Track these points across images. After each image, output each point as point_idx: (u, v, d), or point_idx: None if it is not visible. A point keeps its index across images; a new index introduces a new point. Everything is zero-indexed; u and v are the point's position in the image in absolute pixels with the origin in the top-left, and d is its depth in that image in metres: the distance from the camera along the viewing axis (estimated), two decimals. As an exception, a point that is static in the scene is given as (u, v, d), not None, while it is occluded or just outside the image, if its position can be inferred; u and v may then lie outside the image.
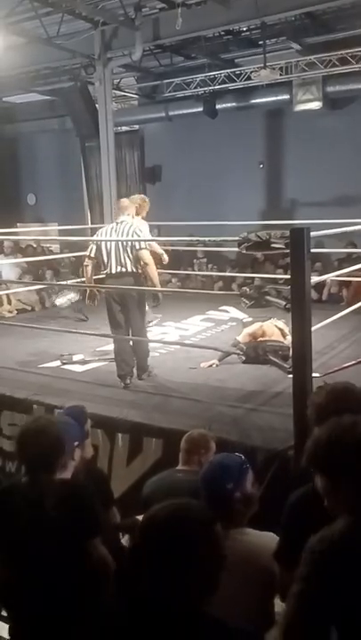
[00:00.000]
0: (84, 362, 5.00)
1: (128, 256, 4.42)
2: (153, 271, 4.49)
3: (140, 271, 4.45)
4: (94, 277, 4.75)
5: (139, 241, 4.47)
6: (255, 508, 2.04)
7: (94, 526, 2.05)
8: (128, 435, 3.59)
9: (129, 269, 4.43)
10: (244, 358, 4.67)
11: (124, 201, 4.93)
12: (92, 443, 3.05)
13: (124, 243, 4.41)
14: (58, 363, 4.99)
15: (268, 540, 1.98)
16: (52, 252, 11.06)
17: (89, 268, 4.67)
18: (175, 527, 1.33)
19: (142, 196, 6.00)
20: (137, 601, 1.33)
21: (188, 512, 1.38)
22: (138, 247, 4.43)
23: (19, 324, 6.06)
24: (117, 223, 4.59)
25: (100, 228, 4.91)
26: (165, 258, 6.05)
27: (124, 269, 4.42)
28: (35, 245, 10.83)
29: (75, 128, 10.09)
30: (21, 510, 2.00)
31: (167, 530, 1.33)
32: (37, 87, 10.75)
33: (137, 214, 5.32)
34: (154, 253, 5.28)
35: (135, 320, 4.51)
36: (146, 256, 4.46)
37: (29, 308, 8.43)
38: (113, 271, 4.46)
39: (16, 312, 8.13)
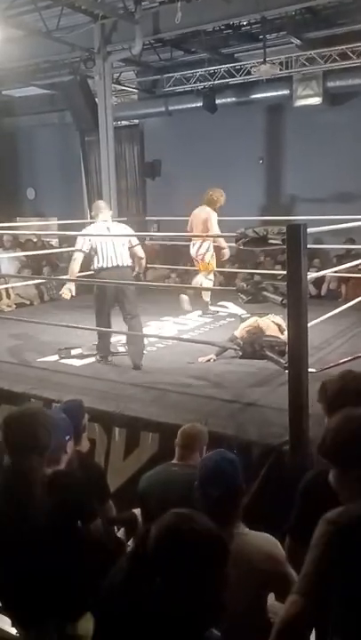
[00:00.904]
0: (82, 356, 5.01)
1: (124, 251, 4.84)
2: (144, 263, 5.21)
3: (132, 264, 4.97)
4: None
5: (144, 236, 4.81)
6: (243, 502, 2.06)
7: (83, 512, 2.07)
8: (125, 429, 3.61)
9: (125, 263, 4.84)
10: (240, 353, 4.68)
11: (102, 203, 5.38)
12: (89, 437, 3.06)
13: (122, 239, 4.88)
14: (56, 357, 5.01)
15: (264, 540, 1.99)
16: (52, 247, 11.06)
17: (77, 263, 4.92)
18: (185, 547, 1.28)
19: (221, 190, 7.00)
20: (138, 611, 1.29)
21: (199, 532, 1.32)
22: (134, 243, 4.97)
23: (17, 318, 6.07)
24: (105, 221, 5.01)
25: (90, 224, 5.31)
26: (226, 252, 6.79)
27: (120, 263, 4.80)
28: (35, 240, 10.84)
29: (74, 122, 10.07)
30: (4, 497, 2.01)
31: (177, 549, 1.28)
32: (37, 81, 10.73)
33: (211, 205, 6.77)
34: (217, 248, 6.57)
35: (133, 309, 4.85)
36: (140, 251, 5.03)
37: (28, 303, 8.44)
38: (110, 265, 4.77)
39: (15, 306, 8.14)
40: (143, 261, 5.12)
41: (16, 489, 1.99)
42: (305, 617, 1.45)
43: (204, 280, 6.62)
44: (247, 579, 1.86)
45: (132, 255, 4.94)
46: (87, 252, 4.84)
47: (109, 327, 4.94)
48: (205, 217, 6.57)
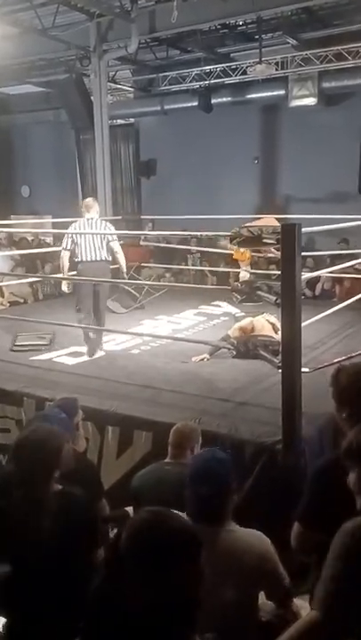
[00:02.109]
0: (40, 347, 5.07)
1: (102, 246, 5.20)
2: (122, 258, 5.42)
3: (110, 259, 5.30)
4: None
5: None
6: (234, 501, 2.05)
7: (93, 539, 2.06)
8: (118, 427, 3.61)
9: (103, 257, 5.21)
10: (234, 353, 4.69)
11: (90, 200, 5.57)
12: (83, 435, 3.06)
13: (100, 235, 5.21)
14: (50, 355, 5.00)
15: (254, 538, 1.98)
16: (48, 245, 11.03)
17: (65, 260, 5.29)
18: (157, 545, 1.27)
19: None
20: (114, 614, 1.27)
21: (170, 529, 1.31)
22: (110, 239, 5.26)
23: (11, 317, 6.06)
24: (88, 219, 5.30)
25: (74, 222, 5.53)
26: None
27: (98, 257, 5.18)
28: (31, 238, 10.80)
29: (69, 120, 10.05)
30: (18, 528, 1.99)
31: (148, 546, 1.27)
32: (32, 78, 10.70)
33: None
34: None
35: (104, 299, 5.37)
36: (115, 246, 5.33)
37: (22, 301, 8.42)
38: (89, 259, 5.17)
39: (9, 304, 8.11)
40: (119, 257, 5.37)
41: (30, 518, 1.97)
42: (322, 636, 1.45)
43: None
44: (237, 576, 1.86)
45: (110, 250, 5.26)
46: (71, 249, 5.22)
47: (92, 318, 5.21)
48: None
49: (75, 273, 5.36)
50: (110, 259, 5.30)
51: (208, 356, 4.76)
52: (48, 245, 10.89)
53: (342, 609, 1.44)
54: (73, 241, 5.19)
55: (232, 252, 6.06)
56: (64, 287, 5.54)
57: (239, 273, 5.70)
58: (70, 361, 4.88)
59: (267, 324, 4.97)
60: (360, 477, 1.60)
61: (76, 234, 5.19)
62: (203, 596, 1.30)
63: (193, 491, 1.96)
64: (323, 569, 1.51)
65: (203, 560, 1.32)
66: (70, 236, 5.20)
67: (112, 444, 3.60)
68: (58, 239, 10.33)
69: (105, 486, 3.14)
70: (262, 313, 5.16)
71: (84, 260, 5.17)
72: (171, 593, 1.23)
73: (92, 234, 5.17)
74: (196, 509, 1.92)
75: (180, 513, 1.96)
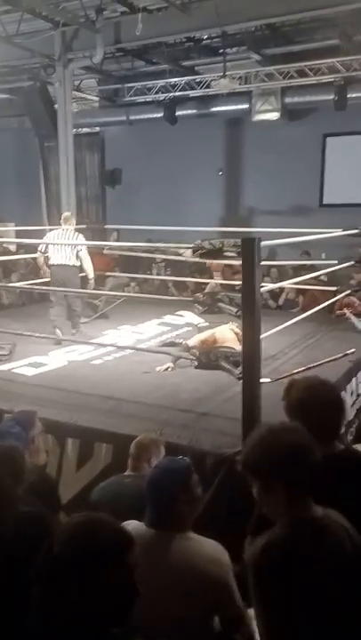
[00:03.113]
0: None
1: (72, 254, 6.07)
2: (90, 267, 6.23)
3: (78, 264, 6.16)
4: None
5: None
6: (199, 511, 2.07)
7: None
8: (78, 440, 3.56)
9: (72, 263, 6.09)
10: (196, 363, 4.71)
11: (68, 214, 6.57)
12: (43, 448, 3.00)
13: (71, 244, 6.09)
14: (9, 366, 4.92)
15: (209, 546, 1.98)
16: (12, 253, 10.88)
17: (42, 259, 6.33)
18: (83, 550, 1.29)
19: None
20: (45, 614, 1.28)
21: (99, 533, 1.32)
22: (79, 249, 6.11)
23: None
24: (64, 230, 6.25)
25: (51, 230, 6.59)
26: None
27: (67, 262, 6.07)
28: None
29: (33, 128, 9.96)
30: None
31: (75, 551, 1.28)
32: (-5, 85, 10.58)
33: None
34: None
35: (75, 304, 6.18)
36: (84, 255, 6.15)
37: (-17, 310, 8.27)
38: (60, 263, 6.08)
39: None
40: (86, 265, 6.17)
41: None
42: None
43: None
44: (190, 585, 1.86)
45: (77, 257, 6.12)
46: (44, 252, 6.18)
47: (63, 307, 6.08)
48: None
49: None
50: (78, 264, 6.14)
51: (172, 365, 4.76)
52: (12, 253, 10.75)
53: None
54: (47, 246, 6.20)
55: (200, 261, 6.18)
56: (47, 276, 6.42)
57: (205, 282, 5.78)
58: (31, 372, 4.80)
59: (230, 334, 5.01)
60: (258, 491, 1.64)
61: (49, 241, 6.26)
62: (152, 598, 1.35)
63: (149, 498, 1.99)
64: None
65: (151, 563, 1.35)
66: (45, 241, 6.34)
67: (72, 457, 3.55)
68: (21, 247, 10.22)
69: (63, 500, 3.10)
70: (227, 323, 5.19)
71: (55, 264, 6.10)
72: (101, 592, 1.25)
73: (64, 244, 6.07)
74: (153, 516, 1.97)
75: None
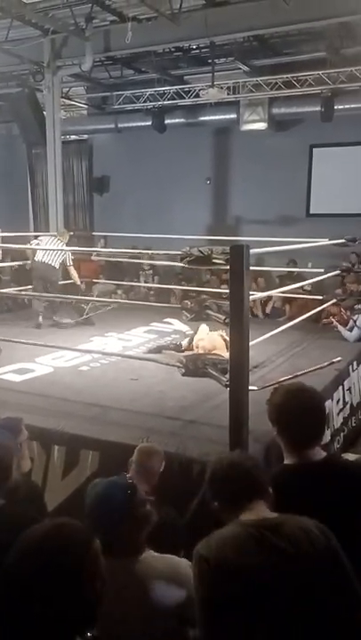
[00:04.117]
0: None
1: (54, 257, 7.03)
2: (74, 273, 7.28)
3: (57, 266, 7.10)
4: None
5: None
6: (150, 527, 1.94)
7: None
8: (64, 447, 3.53)
9: (52, 264, 7.05)
10: (183, 371, 4.69)
11: (65, 231, 7.67)
12: (28, 455, 2.97)
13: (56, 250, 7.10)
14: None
15: (165, 565, 1.89)
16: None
17: (30, 252, 7.39)
18: (47, 549, 1.29)
19: None
20: (12, 620, 1.27)
21: (61, 533, 1.34)
22: (68, 263, 7.21)
23: None
24: (57, 239, 7.37)
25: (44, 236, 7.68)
26: None
27: (50, 262, 7.04)
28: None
29: (21, 134, 9.95)
30: None
31: (38, 551, 1.29)
32: (-16, 91, 10.54)
33: None
34: None
35: (53, 290, 7.02)
36: (67, 260, 7.16)
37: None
38: (44, 260, 7.07)
39: None
40: (71, 273, 7.25)
41: None
42: None
43: None
44: (151, 610, 1.77)
45: (62, 264, 7.14)
46: (34, 248, 7.20)
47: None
48: None
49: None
50: (58, 268, 7.11)
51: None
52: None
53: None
54: (37, 244, 7.34)
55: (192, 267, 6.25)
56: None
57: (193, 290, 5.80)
58: (17, 378, 4.76)
59: (219, 340, 5.00)
60: (218, 509, 1.74)
61: (38, 242, 7.44)
62: (117, 630, 1.36)
63: (92, 526, 1.75)
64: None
65: (111, 593, 1.38)
66: (37, 243, 7.41)
67: (58, 464, 3.52)
68: (7, 254, 10.15)
69: (49, 507, 3.06)
70: (217, 330, 5.19)
71: (39, 260, 7.08)
72: (63, 598, 1.25)
73: (54, 249, 7.07)
74: (102, 544, 1.70)
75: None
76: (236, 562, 1.53)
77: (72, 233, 7.92)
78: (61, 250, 6.99)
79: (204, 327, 5.21)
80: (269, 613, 1.49)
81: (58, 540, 1.32)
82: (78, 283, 7.30)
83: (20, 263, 8.42)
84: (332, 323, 6.31)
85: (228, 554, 1.54)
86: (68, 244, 7.37)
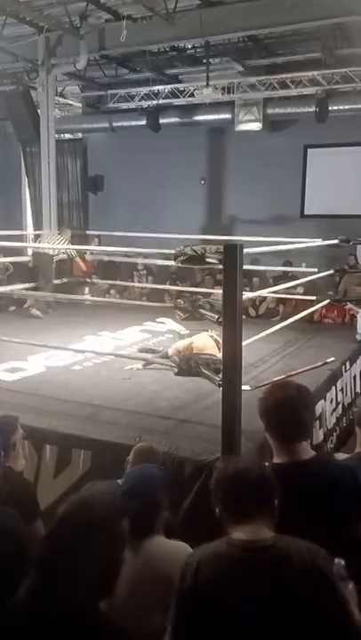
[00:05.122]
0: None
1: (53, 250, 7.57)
2: (79, 261, 8.14)
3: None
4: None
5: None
6: (166, 516, 2.13)
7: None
8: (56, 446, 3.52)
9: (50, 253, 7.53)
10: (176, 370, 4.69)
11: (68, 231, 8.11)
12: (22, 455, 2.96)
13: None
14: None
15: (178, 548, 2.01)
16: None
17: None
18: (77, 518, 1.43)
19: None
20: (34, 593, 1.37)
21: (90, 504, 1.48)
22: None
23: None
24: (59, 235, 7.75)
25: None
26: None
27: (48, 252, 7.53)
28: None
29: (15, 132, 9.91)
30: None
31: (67, 519, 1.44)
32: (-23, 88, 10.49)
33: None
34: None
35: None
36: (72, 252, 7.73)
37: None
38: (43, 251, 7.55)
39: None
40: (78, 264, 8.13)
41: None
42: None
43: None
44: (157, 588, 1.86)
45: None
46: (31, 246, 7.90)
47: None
48: None
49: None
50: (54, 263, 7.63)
51: (140, 367, 4.84)
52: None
53: None
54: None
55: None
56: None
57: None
58: (9, 377, 4.74)
59: (210, 341, 5.00)
60: (219, 516, 1.71)
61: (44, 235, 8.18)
62: (128, 601, 1.51)
63: (138, 501, 2.00)
64: None
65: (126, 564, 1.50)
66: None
67: (50, 464, 3.51)
68: (1, 252, 10.11)
69: (41, 507, 3.05)
70: (206, 330, 5.19)
71: (38, 250, 7.61)
72: (93, 562, 1.37)
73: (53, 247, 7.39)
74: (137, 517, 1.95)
75: None
76: (211, 585, 1.53)
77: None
78: (60, 248, 7.39)
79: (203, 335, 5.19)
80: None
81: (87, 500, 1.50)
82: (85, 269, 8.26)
83: (17, 259, 8.46)
84: (351, 310, 6.29)
85: (206, 573, 1.55)
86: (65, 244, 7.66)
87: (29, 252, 7.76)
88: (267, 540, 1.58)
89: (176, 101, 10.09)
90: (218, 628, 1.49)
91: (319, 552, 1.56)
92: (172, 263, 6.68)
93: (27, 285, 7.29)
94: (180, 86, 9.97)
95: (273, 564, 1.52)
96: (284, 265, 9.03)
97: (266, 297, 8.16)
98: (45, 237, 7.85)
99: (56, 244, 7.54)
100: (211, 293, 6.59)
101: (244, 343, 3.17)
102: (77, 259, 7.91)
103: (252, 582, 1.50)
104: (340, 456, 3.14)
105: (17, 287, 7.26)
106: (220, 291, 3.13)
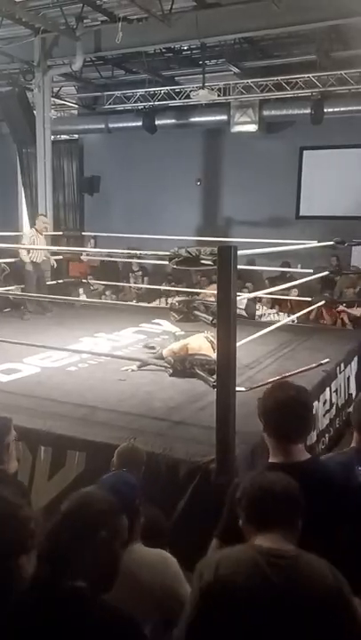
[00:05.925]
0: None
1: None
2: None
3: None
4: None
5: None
6: (141, 523, 2.06)
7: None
8: (51, 448, 3.51)
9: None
10: (171, 371, 4.69)
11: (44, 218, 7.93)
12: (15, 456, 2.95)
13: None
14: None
15: (153, 557, 1.97)
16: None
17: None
18: (77, 513, 1.49)
19: None
20: (38, 584, 1.41)
21: (91, 500, 1.55)
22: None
23: None
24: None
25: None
26: None
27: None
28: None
29: (11, 133, 9.91)
30: None
31: (70, 515, 1.48)
32: (-27, 89, 10.48)
33: None
34: None
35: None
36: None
37: None
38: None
39: None
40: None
41: None
42: None
43: None
44: (136, 598, 1.82)
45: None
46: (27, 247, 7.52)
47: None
48: None
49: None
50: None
51: (135, 368, 4.81)
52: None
53: None
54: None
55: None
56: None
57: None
58: (4, 378, 4.73)
59: (205, 342, 5.00)
60: (242, 525, 1.69)
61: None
62: None
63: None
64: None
65: None
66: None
67: (44, 465, 3.49)
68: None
69: (35, 509, 3.04)
70: (201, 332, 5.19)
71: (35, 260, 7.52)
72: (95, 558, 1.43)
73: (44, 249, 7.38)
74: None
75: None
76: (231, 583, 1.51)
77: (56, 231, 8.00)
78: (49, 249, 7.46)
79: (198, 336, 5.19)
80: None
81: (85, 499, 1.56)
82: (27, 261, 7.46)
83: (12, 260, 8.43)
84: (343, 312, 6.31)
85: (226, 572, 1.53)
86: (53, 239, 7.76)
87: (25, 253, 7.66)
88: (289, 551, 1.59)
89: (172, 103, 10.10)
90: (232, 626, 1.49)
91: (337, 574, 1.58)
92: (167, 263, 6.75)
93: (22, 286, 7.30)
94: (176, 88, 9.98)
95: (293, 574, 1.53)
96: (281, 266, 9.05)
97: (261, 299, 8.17)
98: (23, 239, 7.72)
99: (32, 244, 7.49)
100: (208, 295, 6.60)
101: (238, 344, 3.18)
102: (52, 258, 7.80)
103: (271, 587, 1.50)
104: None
105: (11, 288, 7.26)
106: (215, 291, 3.14)
